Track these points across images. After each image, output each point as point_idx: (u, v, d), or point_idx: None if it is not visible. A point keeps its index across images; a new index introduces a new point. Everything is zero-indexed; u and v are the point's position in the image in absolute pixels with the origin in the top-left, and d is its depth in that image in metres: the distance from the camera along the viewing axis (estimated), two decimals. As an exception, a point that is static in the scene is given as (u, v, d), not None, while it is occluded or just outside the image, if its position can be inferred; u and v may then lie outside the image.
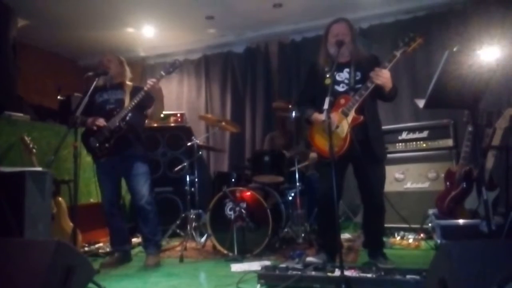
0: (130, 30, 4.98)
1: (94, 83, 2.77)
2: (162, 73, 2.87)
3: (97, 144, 2.89)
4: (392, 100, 2.60)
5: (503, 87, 3.81)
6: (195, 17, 4.70)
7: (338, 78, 2.57)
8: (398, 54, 2.41)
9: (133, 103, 2.85)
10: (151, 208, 2.98)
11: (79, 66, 5.89)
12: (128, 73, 3.14)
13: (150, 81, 2.83)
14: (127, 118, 2.88)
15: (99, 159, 2.95)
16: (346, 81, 2.56)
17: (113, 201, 3.03)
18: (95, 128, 2.87)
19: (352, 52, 2.58)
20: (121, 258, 3.03)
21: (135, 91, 2.97)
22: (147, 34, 5.07)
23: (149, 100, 2.96)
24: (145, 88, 2.83)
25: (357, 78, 2.54)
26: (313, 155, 3.70)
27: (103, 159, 2.93)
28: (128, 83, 3.10)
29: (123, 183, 3.11)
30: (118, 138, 2.86)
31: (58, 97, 4.21)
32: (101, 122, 2.86)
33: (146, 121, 3.29)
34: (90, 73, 2.82)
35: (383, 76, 2.37)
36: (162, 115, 4.24)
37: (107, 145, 2.86)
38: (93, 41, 5.23)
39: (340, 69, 2.56)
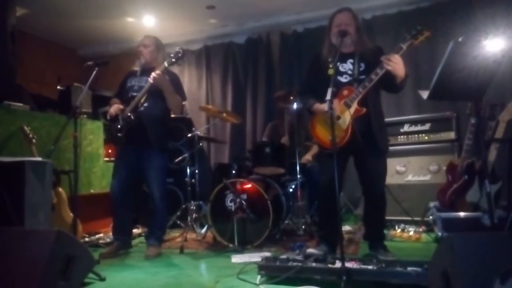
0: (130, 19, 4.93)
1: (94, 72, 2.73)
2: (165, 64, 2.83)
3: (114, 132, 2.92)
4: (399, 91, 2.53)
5: (507, 79, 3.77)
6: (195, 7, 4.65)
7: (341, 69, 2.54)
8: (404, 47, 2.36)
9: (140, 94, 2.85)
10: (162, 204, 2.98)
11: (79, 56, 5.85)
12: (161, 58, 3.04)
13: (154, 74, 2.80)
14: (142, 108, 2.86)
15: (117, 146, 3.00)
16: (350, 72, 2.53)
17: (122, 189, 2.98)
18: (108, 116, 2.91)
19: (356, 43, 2.54)
20: (120, 247, 3.03)
21: None
22: (147, 24, 5.02)
23: (160, 92, 2.91)
24: (150, 81, 2.80)
25: (361, 69, 2.50)
26: (307, 157, 3.73)
27: (119, 146, 2.97)
28: (161, 66, 2.96)
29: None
30: (130, 128, 2.85)
31: (58, 87, 4.18)
32: (115, 108, 2.89)
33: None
34: (90, 63, 2.79)
35: (395, 62, 2.30)
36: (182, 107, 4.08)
37: (119, 134, 2.87)
38: (93, 31, 5.19)
39: (343, 59, 2.53)
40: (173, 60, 2.84)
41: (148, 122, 2.89)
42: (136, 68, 3.08)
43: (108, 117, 2.93)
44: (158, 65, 2.98)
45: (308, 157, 3.77)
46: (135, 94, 2.91)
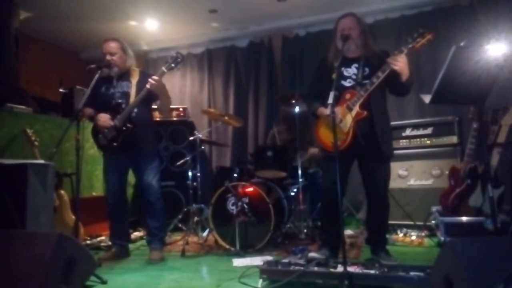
0: (133, 23, 4.95)
1: (97, 75, 2.74)
2: (164, 69, 2.79)
3: (106, 142, 2.88)
4: (408, 92, 2.52)
5: (510, 84, 3.76)
6: (198, 11, 4.67)
7: (345, 73, 2.55)
8: (406, 50, 2.36)
9: (136, 101, 2.83)
10: (160, 203, 2.98)
11: (82, 59, 5.87)
12: (132, 59, 3.02)
13: (152, 80, 2.77)
14: (133, 114, 2.86)
15: (110, 156, 2.94)
16: (354, 76, 2.53)
17: (119, 194, 3.01)
18: (103, 129, 2.85)
19: (361, 47, 2.54)
20: (118, 252, 3.01)
21: (141, 79, 2.92)
22: (150, 27, 5.04)
23: (153, 97, 2.94)
24: (148, 87, 2.77)
25: (365, 73, 2.51)
26: (313, 150, 3.69)
27: (114, 156, 2.91)
28: (134, 69, 3.02)
29: (130, 176, 3.10)
30: (126, 136, 2.83)
31: (60, 89, 4.20)
32: (106, 120, 2.82)
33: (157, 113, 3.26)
34: (93, 66, 2.79)
35: (400, 61, 2.31)
36: (171, 107, 4.07)
37: (115, 144, 2.84)
38: (95, 34, 5.19)
39: (348, 64, 2.54)
40: (172, 65, 2.79)
41: (141, 128, 2.89)
42: (105, 74, 2.96)
43: (105, 130, 2.86)
44: (130, 66, 2.99)
45: (313, 150, 3.68)
46: (119, 101, 2.87)
